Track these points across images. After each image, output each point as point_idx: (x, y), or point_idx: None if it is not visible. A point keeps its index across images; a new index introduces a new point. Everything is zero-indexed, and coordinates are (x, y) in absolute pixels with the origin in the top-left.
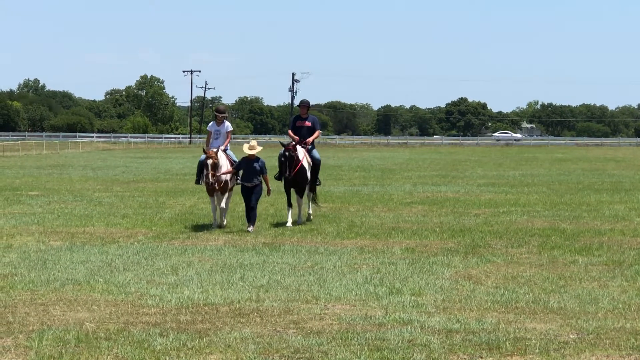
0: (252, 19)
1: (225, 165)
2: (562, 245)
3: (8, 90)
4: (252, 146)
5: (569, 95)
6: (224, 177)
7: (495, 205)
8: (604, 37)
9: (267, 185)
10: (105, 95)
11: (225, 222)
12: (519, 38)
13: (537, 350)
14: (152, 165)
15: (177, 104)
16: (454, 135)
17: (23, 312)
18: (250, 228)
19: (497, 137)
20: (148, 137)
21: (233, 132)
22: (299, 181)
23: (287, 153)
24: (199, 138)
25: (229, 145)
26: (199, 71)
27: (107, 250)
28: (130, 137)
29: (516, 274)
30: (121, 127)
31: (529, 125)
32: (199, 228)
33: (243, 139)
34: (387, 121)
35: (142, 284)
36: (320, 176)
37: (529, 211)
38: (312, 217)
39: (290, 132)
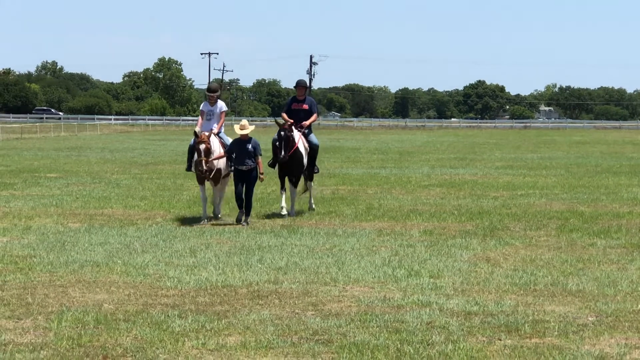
0: (270, 1)
1: (217, 151)
2: (580, 228)
3: (26, 72)
4: (242, 125)
5: (587, 78)
6: (216, 163)
7: (513, 187)
8: (623, 20)
9: (260, 168)
10: (123, 78)
11: (221, 213)
12: (538, 20)
13: (555, 333)
14: (170, 147)
15: (195, 87)
16: (472, 118)
17: (42, 293)
18: (245, 219)
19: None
20: (166, 120)
21: (227, 114)
22: (294, 167)
23: (282, 133)
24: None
25: (222, 127)
26: (217, 53)
27: (125, 232)
28: (148, 120)
29: (535, 256)
30: (139, 109)
31: (547, 108)
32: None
33: (261, 121)
34: (404, 104)
35: (161, 266)
36: (339, 159)
37: (547, 194)
38: (314, 205)
39: (284, 114)
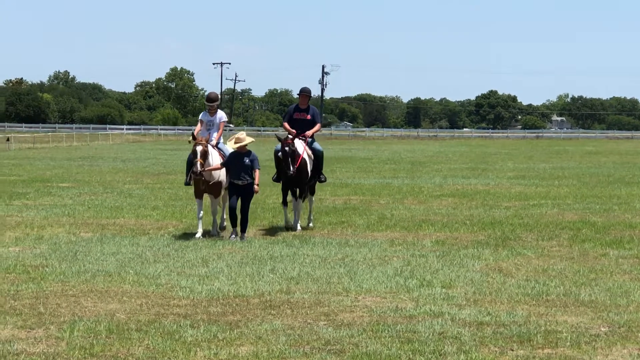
0: (282, 11)
1: (216, 162)
2: (592, 238)
3: (38, 82)
4: (239, 139)
5: (599, 88)
6: (216, 175)
7: (525, 198)
8: (635, 30)
9: (257, 180)
10: (135, 88)
11: (225, 224)
12: (550, 31)
13: (568, 343)
14: (182, 157)
15: None
16: (484, 128)
17: (54, 303)
18: (234, 236)
19: None
20: (178, 129)
21: (228, 123)
22: (300, 179)
23: (286, 148)
24: (230, 130)
25: (222, 138)
26: (229, 63)
27: (137, 242)
28: (160, 129)
29: (547, 266)
30: (151, 119)
31: (559, 118)
32: (228, 220)
33: (272, 131)
34: (417, 114)
35: (173, 276)
36: (351, 169)
37: (559, 204)
38: (312, 222)
39: (285, 124)
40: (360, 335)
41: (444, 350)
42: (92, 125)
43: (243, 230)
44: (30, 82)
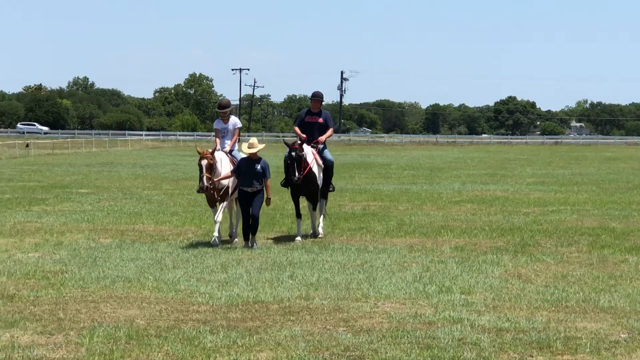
0: (302, 17)
1: (227, 169)
2: (612, 244)
3: (58, 88)
4: (251, 144)
5: (618, 94)
6: (225, 182)
7: (544, 204)
8: None
9: (268, 192)
10: (154, 94)
11: (236, 233)
12: (568, 36)
13: (588, 350)
14: None
15: None
16: (503, 134)
17: (74, 309)
18: (251, 242)
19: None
20: (197, 135)
21: (242, 129)
22: (308, 187)
23: (293, 153)
24: (248, 136)
25: (236, 145)
26: (248, 69)
27: (156, 248)
28: (179, 135)
29: (566, 272)
30: (170, 125)
31: (578, 124)
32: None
33: (292, 137)
34: (435, 120)
35: (192, 282)
36: (370, 175)
37: (578, 210)
38: (322, 230)
39: (296, 128)
40: (379, 342)
41: (463, 357)
42: (111, 131)
43: (253, 234)
44: (49, 88)
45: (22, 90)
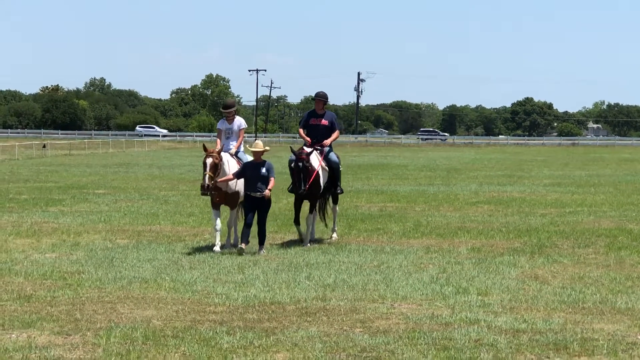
0: (319, 18)
1: (233, 171)
2: (629, 246)
3: (75, 89)
4: (256, 144)
5: (635, 95)
6: (232, 185)
7: (561, 205)
8: None
9: (269, 185)
10: (171, 94)
11: (236, 241)
12: (585, 38)
13: (604, 351)
14: None
15: (243, 103)
16: (520, 135)
17: (91, 309)
18: (262, 251)
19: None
20: (214, 136)
21: (247, 130)
22: (313, 192)
23: (300, 164)
24: (265, 137)
25: (242, 146)
26: (265, 70)
27: (173, 248)
28: (196, 136)
29: (583, 274)
30: (187, 126)
31: (595, 125)
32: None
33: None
34: (452, 121)
35: (209, 282)
36: (387, 176)
37: (595, 211)
38: (336, 234)
39: (301, 131)
40: (396, 343)
41: (480, 358)
42: (127, 132)
43: (261, 243)
44: (66, 89)
45: (39, 91)
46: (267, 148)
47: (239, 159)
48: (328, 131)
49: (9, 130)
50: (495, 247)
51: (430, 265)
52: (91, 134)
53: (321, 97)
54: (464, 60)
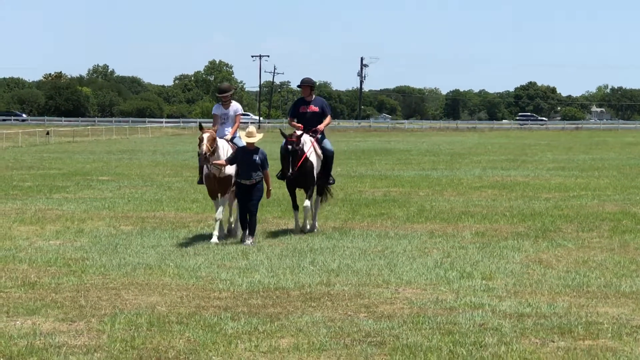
0: (321, 3)
1: (225, 157)
2: (633, 230)
3: (78, 76)
4: (250, 133)
5: (639, 78)
6: (229, 169)
7: (565, 189)
8: None
9: (268, 183)
10: (174, 81)
11: (239, 231)
12: (589, 21)
13: (609, 335)
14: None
15: (246, 89)
16: (525, 117)
17: (95, 296)
18: (249, 241)
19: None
20: None
21: (243, 115)
22: (305, 179)
23: (289, 147)
24: (268, 123)
25: (238, 132)
26: (268, 56)
27: (177, 234)
28: (200, 122)
29: (587, 258)
30: (190, 112)
31: (598, 109)
32: (269, 212)
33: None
34: (455, 105)
35: (213, 268)
36: (390, 161)
37: (599, 195)
38: (317, 226)
39: (290, 119)
40: (400, 327)
41: (484, 342)
42: (131, 119)
43: (251, 233)
44: (69, 76)
45: (42, 78)
46: (260, 135)
47: (234, 145)
48: (319, 117)
49: (12, 117)
50: (499, 231)
51: (435, 249)
52: (94, 121)
53: (307, 83)
54: (467, 44)
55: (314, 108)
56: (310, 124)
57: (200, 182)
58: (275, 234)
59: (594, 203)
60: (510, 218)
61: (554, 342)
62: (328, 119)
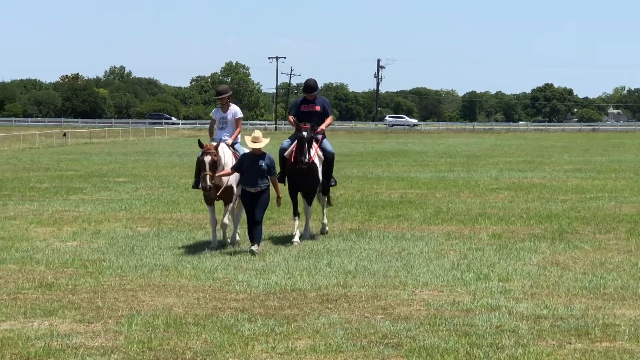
0: (337, 4)
1: (229, 165)
2: None
3: (94, 77)
4: (255, 138)
5: None
6: (225, 179)
7: (582, 191)
8: None
9: (277, 190)
10: (190, 82)
11: (237, 239)
12: (606, 23)
13: (626, 337)
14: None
15: (263, 91)
16: (540, 121)
17: (112, 297)
18: (255, 247)
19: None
20: None
21: (243, 119)
22: (308, 181)
23: (304, 134)
24: (284, 124)
25: (239, 137)
26: (284, 57)
27: (194, 236)
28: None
29: (604, 260)
30: (207, 113)
31: (615, 111)
32: (285, 214)
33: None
34: (472, 107)
35: (230, 270)
36: (407, 163)
37: (616, 197)
38: (327, 227)
39: (291, 118)
40: (417, 329)
41: (501, 344)
42: (148, 120)
43: (257, 242)
44: (86, 78)
45: (59, 79)
46: (267, 140)
47: (235, 151)
48: (321, 117)
49: (29, 119)
50: (516, 233)
51: (451, 251)
52: (111, 122)
53: (310, 85)
54: (484, 46)
55: (316, 107)
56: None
57: (195, 186)
58: (291, 236)
59: (611, 205)
60: (527, 220)
61: (570, 344)
62: (329, 119)
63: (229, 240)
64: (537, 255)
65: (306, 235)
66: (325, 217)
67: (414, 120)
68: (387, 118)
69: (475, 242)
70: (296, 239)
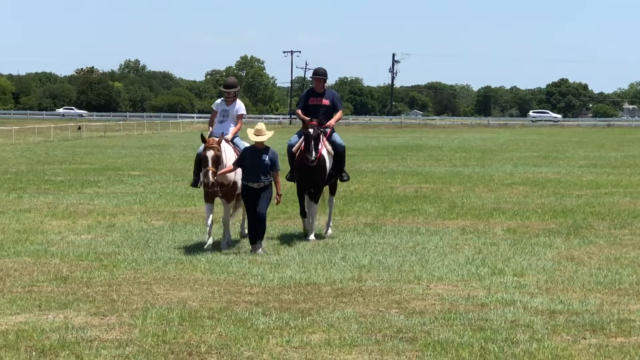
0: None
1: (231, 161)
2: None
3: (109, 71)
4: (259, 130)
5: None
6: (230, 176)
7: (597, 186)
8: None
9: (278, 187)
10: (205, 76)
11: (232, 237)
12: (621, 18)
13: None
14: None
15: (277, 85)
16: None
17: (127, 290)
18: (258, 249)
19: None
20: (248, 118)
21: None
22: (316, 176)
23: (310, 130)
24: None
25: (239, 133)
26: (299, 52)
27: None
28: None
29: (619, 255)
30: None
31: (630, 106)
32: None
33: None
34: (487, 102)
35: (244, 264)
36: (422, 157)
37: (631, 192)
38: (331, 229)
39: (299, 111)
40: (432, 323)
41: (516, 339)
42: (162, 114)
43: (260, 237)
44: (101, 71)
45: (74, 73)
46: (271, 133)
47: (235, 145)
48: (330, 111)
49: (44, 112)
50: (530, 228)
51: (466, 246)
52: (126, 116)
53: (319, 75)
54: (499, 41)
55: (325, 101)
56: (320, 118)
57: (194, 184)
58: (305, 233)
59: (626, 200)
60: (541, 215)
61: (585, 339)
62: (339, 114)
63: (246, 231)
64: (551, 250)
65: (309, 236)
66: (330, 229)
67: (559, 116)
68: (530, 113)
69: (490, 237)
70: (311, 236)
